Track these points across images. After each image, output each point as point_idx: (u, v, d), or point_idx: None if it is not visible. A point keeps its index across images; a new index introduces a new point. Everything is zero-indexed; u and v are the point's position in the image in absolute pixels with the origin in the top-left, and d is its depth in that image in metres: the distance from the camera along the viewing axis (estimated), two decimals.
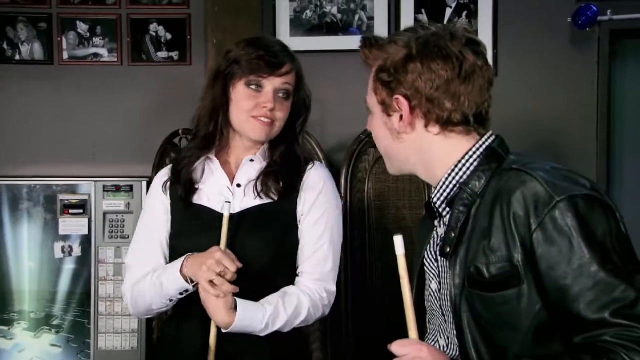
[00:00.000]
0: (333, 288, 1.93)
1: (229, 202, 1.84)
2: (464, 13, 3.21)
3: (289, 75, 1.89)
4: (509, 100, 3.13)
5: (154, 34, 3.27)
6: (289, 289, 1.88)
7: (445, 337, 1.46)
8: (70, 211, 3.12)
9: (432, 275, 1.49)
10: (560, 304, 1.27)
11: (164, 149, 3.01)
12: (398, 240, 1.33)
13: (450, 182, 1.43)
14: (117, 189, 3.13)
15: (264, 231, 1.88)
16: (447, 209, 1.44)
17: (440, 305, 1.46)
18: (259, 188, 1.90)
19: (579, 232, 1.26)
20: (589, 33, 3.15)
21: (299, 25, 3.26)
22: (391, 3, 3.23)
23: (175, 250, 1.90)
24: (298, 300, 1.85)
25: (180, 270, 1.81)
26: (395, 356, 1.32)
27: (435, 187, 1.45)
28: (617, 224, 1.30)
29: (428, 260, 1.50)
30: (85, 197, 3.12)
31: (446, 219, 1.44)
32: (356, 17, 3.26)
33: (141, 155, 3.10)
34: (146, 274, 1.90)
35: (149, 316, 2.09)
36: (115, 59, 3.27)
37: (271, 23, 3.24)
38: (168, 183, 1.96)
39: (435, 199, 1.46)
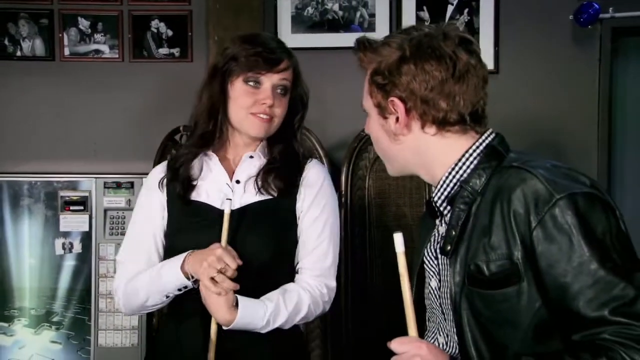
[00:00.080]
0: (334, 284, 1.93)
1: (230, 199, 1.83)
2: (466, 10, 3.21)
3: (286, 72, 1.89)
4: (511, 98, 3.13)
5: (155, 30, 3.27)
6: (289, 286, 1.88)
7: (445, 335, 1.46)
8: (71, 208, 3.12)
9: (432, 273, 1.49)
10: (560, 302, 1.27)
11: (165, 146, 3.01)
12: (398, 238, 1.34)
13: (450, 181, 1.43)
14: (118, 185, 3.14)
15: (264, 228, 1.88)
16: (448, 207, 1.44)
17: (440, 303, 1.46)
18: (260, 184, 1.90)
19: (579, 230, 1.26)
20: (590, 31, 3.14)
21: (300, 23, 3.26)
22: (392, 0, 3.23)
23: (175, 247, 1.89)
24: (299, 297, 1.85)
25: (182, 267, 1.81)
26: (395, 354, 1.32)
27: (436, 187, 1.45)
28: (617, 222, 1.31)
29: (428, 258, 1.50)
30: (86, 194, 3.13)
31: (447, 217, 1.44)
32: (358, 14, 3.25)
33: (142, 152, 3.10)
34: (139, 271, 1.89)
35: (140, 313, 2.08)
36: (117, 56, 3.28)
37: (273, 20, 3.24)
38: (165, 180, 1.95)
39: (436, 198, 1.46)
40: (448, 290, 1.41)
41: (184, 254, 1.82)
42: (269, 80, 1.87)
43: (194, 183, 1.92)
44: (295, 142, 1.97)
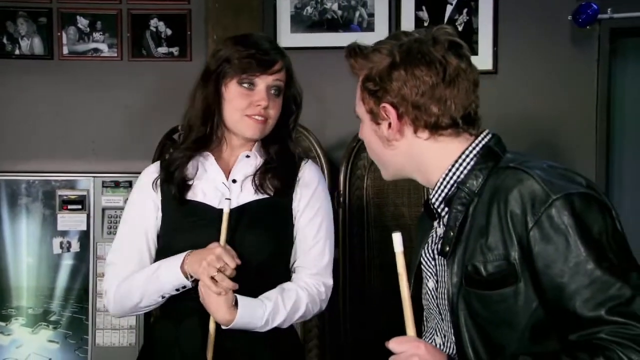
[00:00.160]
0: (330, 282, 1.94)
1: (229, 198, 1.83)
2: (465, 10, 3.21)
3: (280, 73, 1.89)
4: (509, 98, 3.14)
5: (154, 29, 3.27)
6: (286, 284, 1.88)
7: (442, 335, 1.46)
8: (69, 207, 3.12)
9: (429, 274, 1.49)
10: (557, 302, 1.27)
11: (164, 145, 3.01)
12: (397, 238, 1.34)
13: (447, 183, 1.43)
14: (117, 185, 3.13)
15: (263, 227, 1.88)
16: (446, 209, 1.44)
17: (437, 304, 1.47)
18: (257, 183, 1.90)
19: (576, 231, 1.26)
20: (589, 31, 3.15)
21: (299, 22, 3.26)
22: (392, 0, 3.23)
23: (172, 247, 1.87)
24: (297, 296, 1.85)
25: (182, 266, 1.80)
26: (393, 353, 1.32)
27: (433, 189, 1.46)
28: (613, 222, 1.31)
29: (425, 259, 1.50)
30: (84, 193, 3.13)
31: (445, 219, 1.44)
32: (357, 14, 3.25)
33: (140, 151, 3.09)
34: (131, 272, 1.88)
35: (130, 315, 2.06)
36: (116, 55, 3.27)
37: (272, 19, 3.24)
38: (158, 180, 1.94)
39: (433, 200, 1.46)
40: (445, 291, 1.41)
41: (183, 254, 1.81)
42: (263, 82, 1.87)
43: (190, 183, 1.92)
44: (290, 143, 1.97)
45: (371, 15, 3.24)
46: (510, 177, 1.34)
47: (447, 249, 1.40)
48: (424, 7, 3.22)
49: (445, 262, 1.42)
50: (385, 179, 1.56)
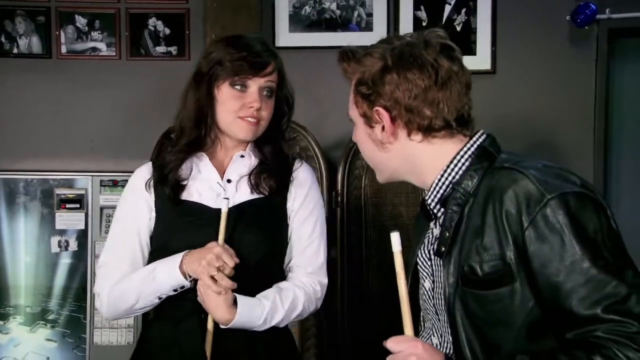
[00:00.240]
0: (326, 280, 1.94)
1: (228, 198, 1.83)
2: (463, 10, 3.21)
3: (272, 74, 1.89)
4: (507, 98, 3.14)
5: (152, 28, 3.27)
6: (283, 284, 1.88)
7: (439, 335, 1.47)
8: (67, 206, 3.12)
9: (425, 274, 1.49)
10: (553, 301, 1.28)
11: (162, 144, 3.00)
12: (395, 238, 1.34)
13: (443, 184, 1.44)
14: (115, 183, 3.13)
15: (258, 226, 1.88)
16: (442, 209, 1.45)
17: (433, 304, 1.47)
18: (253, 182, 1.90)
19: (571, 230, 1.27)
20: (587, 31, 3.15)
21: (298, 22, 3.26)
22: (390, 0, 3.23)
23: (168, 247, 1.86)
24: (294, 295, 1.86)
25: (180, 267, 1.80)
26: (391, 353, 1.32)
27: (429, 190, 1.46)
28: (608, 220, 1.32)
29: (421, 259, 1.51)
30: (82, 192, 3.13)
31: (441, 219, 1.45)
32: (355, 13, 3.25)
33: (139, 150, 3.09)
34: (124, 273, 1.87)
35: (124, 317, 2.04)
36: (114, 54, 3.27)
37: (270, 19, 3.24)
38: (152, 181, 1.94)
39: (429, 201, 1.47)
40: (442, 291, 1.42)
41: (180, 254, 1.81)
42: (256, 84, 1.86)
43: (184, 183, 1.91)
44: (283, 143, 1.97)
45: (369, 15, 3.24)
46: (505, 177, 1.35)
47: (443, 249, 1.41)
48: (422, 7, 3.22)
49: (441, 263, 1.42)
50: (380, 182, 1.57)
